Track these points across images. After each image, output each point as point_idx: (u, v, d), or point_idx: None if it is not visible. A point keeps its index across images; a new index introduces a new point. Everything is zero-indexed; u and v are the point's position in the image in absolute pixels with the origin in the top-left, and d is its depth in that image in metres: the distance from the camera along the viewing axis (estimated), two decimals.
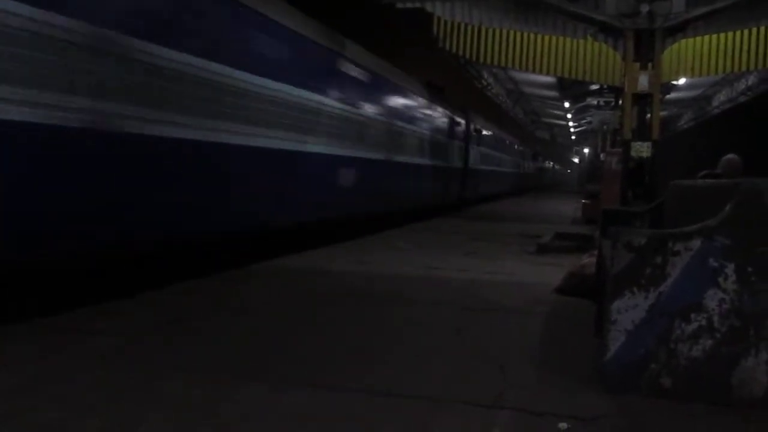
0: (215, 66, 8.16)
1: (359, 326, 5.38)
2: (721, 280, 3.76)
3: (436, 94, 20.29)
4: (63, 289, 6.26)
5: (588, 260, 7.10)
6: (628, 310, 3.87)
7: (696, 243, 3.80)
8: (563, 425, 3.35)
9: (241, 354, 4.46)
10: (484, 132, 27.72)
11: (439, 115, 20.42)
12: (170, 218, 7.57)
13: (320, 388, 3.80)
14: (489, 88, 30.36)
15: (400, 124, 16.41)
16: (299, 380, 3.92)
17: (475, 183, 25.95)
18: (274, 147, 9.71)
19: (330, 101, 11.86)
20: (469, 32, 13.29)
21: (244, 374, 4.00)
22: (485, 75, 28.12)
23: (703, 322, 3.78)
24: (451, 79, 26.22)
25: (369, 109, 14.02)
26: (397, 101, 16.46)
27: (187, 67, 7.61)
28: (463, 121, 23.57)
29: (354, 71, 13.18)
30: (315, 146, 11.26)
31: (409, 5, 12.85)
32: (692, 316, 3.79)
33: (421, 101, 18.47)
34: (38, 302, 5.76)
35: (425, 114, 18.94)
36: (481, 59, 13.81)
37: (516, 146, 40.16)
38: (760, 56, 12.24)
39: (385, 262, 8.92)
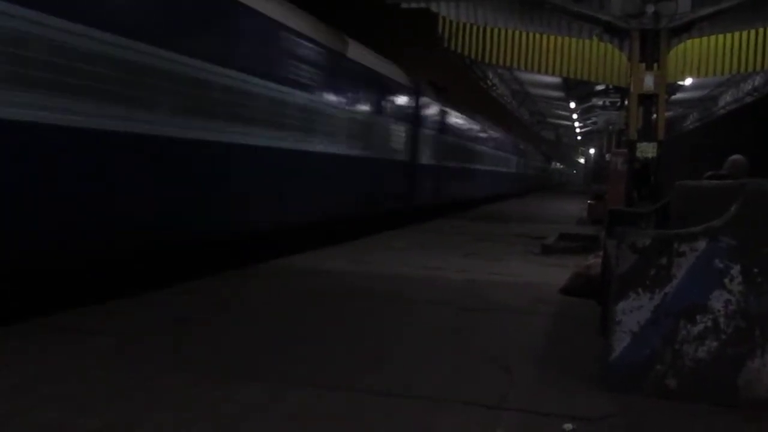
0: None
1: (360, 326, 5.36)
2: (726, 281, 3.73)
3: (509, 130, 37.02)
4: (64, 288, 6.25)
5: (593, 261, 7.06)
6: (633, 311, 3.83)
7: (701, 244, 3.77)
8: (568, 426, 3.32)
9: (241, 354, 4.44)
10: (527, 148, 45.56)
11: (509, 140, 35.97)
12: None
13: (321, 388, 3.77)
14: (494, 88, 30.34)
15: (497, 151, 31.71)
16: (300, 380, 3.89)
17: (524, 182, 43.92)
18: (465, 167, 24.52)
19: (468, 143, 25.11)
20: (475, 32, 13.28)
21: (245, 374, 3.98)
22: (490, 75, 28.11)
23: (709, 324, 3.75)
24: (453, 78, 26.27)
25: (495, 146, 30.78)
26: (497, 139, 31.54)
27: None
28: (521, 145, 41.31)
29: (488, 129, 28.87)
30: (482, 166, 27.81)
31: (414, 5, 12.81)
32: (698, 317, 3.76)
33: (504, 133, 33.66)
34: (39, 301, 5.75)
35: (505, 141, 34.53)
36: (487, 59, 13.80)
37: (530, 150, 49.35)
38: (767, 56, 12.20)
39: (387, 262, 8.90)
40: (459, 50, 13.70)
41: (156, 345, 4.54)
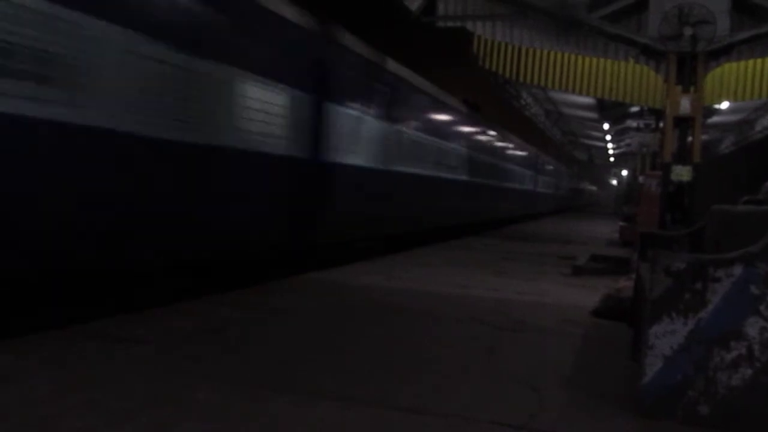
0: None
1: (390, 341, 5.37)
2: (762, 308, 3.69)
3: (544, 151, 40.50)
4: (100, 295, 6.35)
5: (625, 283, 7.02)
6: (666, 336, 3.81)
7: (737, 270, 3.73)
8: None
9: (274, 365, 4.48)
10: (559, 168, 48.45)
11: (544, 162, 39.36)
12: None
13: (351, 402, 3.79)
14: (528, 107, 30.29)
15: (535, 173, 35.42)
16: (331, 393, 3.91)
17: (557, 202, 47.23)
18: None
19: (513, 166, 28.74)
20: (510, 52, 13.27)
21: (277, 385, 4.02)
22: (524, 95, 28.07)
23: (743, 351, 3.71)
24: (487, 96, 26.27)
25: (533, 167, 34.49)
26: (535, 161, 35.16)
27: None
28: (554, 166, 44.61)
29: (528, 152, 32.57)
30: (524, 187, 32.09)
31: (450, 24, 12.87)
32: (732, 344, 3.72)
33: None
34: (76, 308, 5.85)
35: (540, 163, 37.60)
36: (521, 79, 13.77)
37: (562, 170, 52.08)
38: None
39: (418, 279, 8.91)
40: (494, 69, 13.70)
41: (190, 354, 4.60)
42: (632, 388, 4.00)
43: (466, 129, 20.21)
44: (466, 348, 5.32)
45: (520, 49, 13.13)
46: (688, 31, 10.73)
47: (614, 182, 69.79)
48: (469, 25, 12.77)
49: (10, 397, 3.62)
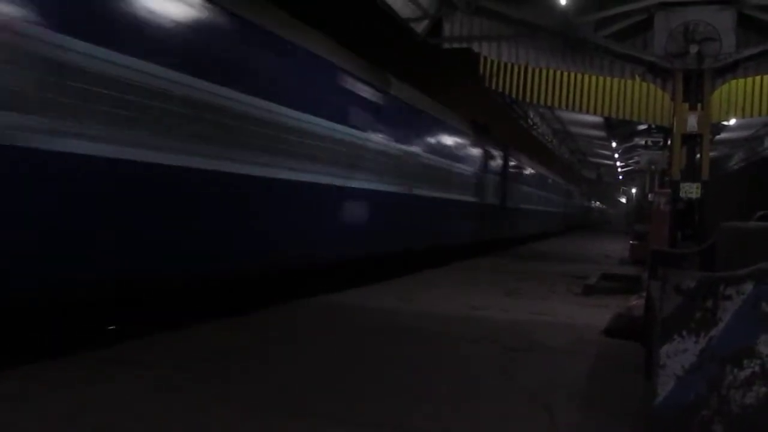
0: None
1: (403, 364, 5.36)
2: None
3: (554, 170, 40.09)
4: (109, 320, 6.37)
5: (636, 302, 6.98)
6: (678, 355, 3.78)
7: (748, 287, 3.71)
8: None
9: (284, 389, 4.47)
10: (568, 187, 48.69)
11: (555, 181, 39.39)
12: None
13: (364, 426, 3.78)
14: (535, 127, 30.32)
15: (548, 193, 35.75)
16: (342, 417, 3.90)
17: (567, 221, 46.83)
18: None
19: (529, 188, 29.31)
20: (516, 72, 13.31)
21: (287, 410, 4.01)
22: (531, 114, 28.11)
23: (757, 369, 3.68)
24: (494, 116, 26.31)
25: (546, 188, 35.06)
26: (547, 181, 35.44)
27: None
28: (564, 185, 44.90)
29: (541, 173, 33.11)
30: (539, 207, 32.94)
31: (456, 45, 12.94)
32: (745, 361, 3.69)
33: (551, 174, 37.50)
34: (86, 334, 5.87)
35: (552, 183, 37.67)
36: (528, 99, 13.79)
37: (571, 189, 51.99)
38: None
39: (429, 300, 8.89)
40: (500, 90, 13.73)
41: (201, 378, 4.60)
42: (645, 407, 3.97)
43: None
44: (479, 368, 5.31)
45: (526, 69, 13.17)
46: (693, 49, 10.75)
47: (623, 200, 69.71)
48: (475, 46, 12.83)
49: (21, 417, 3.63)
